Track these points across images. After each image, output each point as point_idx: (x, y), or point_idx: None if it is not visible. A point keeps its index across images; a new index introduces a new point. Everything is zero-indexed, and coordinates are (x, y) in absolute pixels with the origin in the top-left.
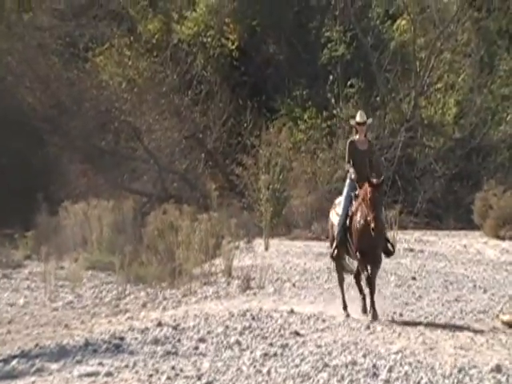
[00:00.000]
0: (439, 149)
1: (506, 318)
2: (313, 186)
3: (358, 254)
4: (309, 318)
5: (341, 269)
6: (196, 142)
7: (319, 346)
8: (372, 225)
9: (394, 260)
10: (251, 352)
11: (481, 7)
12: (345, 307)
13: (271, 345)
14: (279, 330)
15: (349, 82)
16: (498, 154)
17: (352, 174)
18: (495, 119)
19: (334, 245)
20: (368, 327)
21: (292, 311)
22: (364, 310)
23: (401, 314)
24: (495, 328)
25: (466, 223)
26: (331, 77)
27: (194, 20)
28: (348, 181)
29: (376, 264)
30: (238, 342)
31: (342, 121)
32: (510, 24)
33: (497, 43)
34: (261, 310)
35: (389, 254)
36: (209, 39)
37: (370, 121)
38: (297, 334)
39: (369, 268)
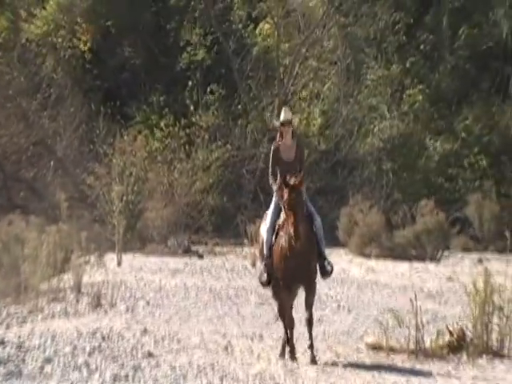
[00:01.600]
0: None
1: (370, 340)
2: (169, 198)
3: (281, 280)
4: (163, 338)
5: (279, 297)
6: (45, 148)
7: (173, 368)
8: (291, 231)
9: (254, 278)
10: (101, 374)
11: (348, 13)
12: (292, 350)
13: (122, 366)
14: (131, 351)
15: (209, 89)
16: (364, 168)
17: (274, 188)
18: (362, 131)
19: (263, 267)
20: (226, 349)
21: (145, 331)
22: (282, 353)
23: (261, 335)
24: (359, 351)
25: (331, 240)
26: (190, 82)
27: (43, 19)
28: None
29: (311, 289)
30: (87, 363)
31: (201, 129)
32: (377, 31)
33: (364, 51)
34: (112, 329)
35: (325, 274)
36: (59, 39)
37: (295, 119)
38: (150, 354)
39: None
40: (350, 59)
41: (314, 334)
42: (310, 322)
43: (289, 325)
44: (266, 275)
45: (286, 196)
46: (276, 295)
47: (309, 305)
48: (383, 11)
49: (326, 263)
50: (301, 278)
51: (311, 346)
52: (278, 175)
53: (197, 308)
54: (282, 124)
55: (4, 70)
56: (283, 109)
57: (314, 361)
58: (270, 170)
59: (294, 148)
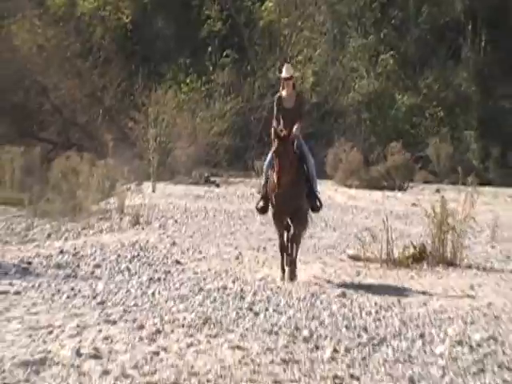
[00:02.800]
0: None
1: (351, 252)
2: (193, 139)
3: (272, 209)
4: (188, 249)
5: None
6: (95, 99)
7: (196, 273)
8: (274, 179)
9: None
10: (139, 277)
11: None
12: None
13: (156, 271)
14: (163, 259)
15: (224, 53)
16: (347, 117)
17: (273, 133)
18: (345, 88)
19: (260, 196)
20: (237, 258)
21: (174, 243)
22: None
23: (264, 248)
24: (342, 261)
25: (320, 174)
26: (210, 48)
27: None
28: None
29: (297, 223)
30: (128, 268)
31: (218, 85)
32: (358, 9)
33: (347, 24)
34: (148, 241)
35: (314, 209)
36: (107, 13)
37: (296, 74)
38: (177, 262)
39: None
40: (336, 31)
41: (305, 247)
42: (290, 240)
43: (280, 250)
44: (261, 203)
45: (275, 146)
46: (275, 223)
47: (295, 231)
48: None
49: (316, 200)
50: (287, 212)
51: (290, 263)
52: (281, 121)
53: (214, 226)
54: (285, 79)
55: (63, 37)
56: (285, 65)
57: (291, 276)
58: (275, 115)
59: (294, 97)
